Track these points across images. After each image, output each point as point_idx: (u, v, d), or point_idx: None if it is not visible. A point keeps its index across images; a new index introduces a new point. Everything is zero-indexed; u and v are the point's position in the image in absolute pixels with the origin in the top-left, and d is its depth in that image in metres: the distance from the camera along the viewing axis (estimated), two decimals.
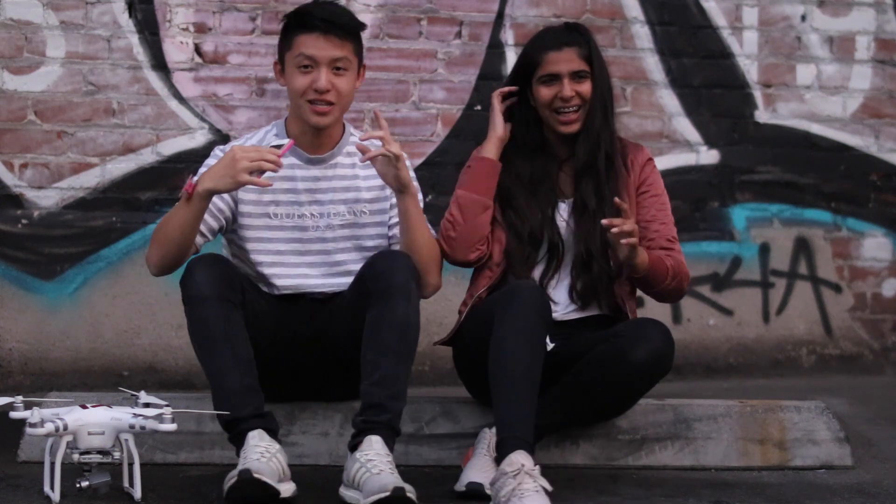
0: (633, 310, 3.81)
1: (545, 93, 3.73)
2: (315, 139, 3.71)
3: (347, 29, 3.66)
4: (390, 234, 3.76)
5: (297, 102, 3.65)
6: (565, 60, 3.73)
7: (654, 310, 5.39)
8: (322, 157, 3.73)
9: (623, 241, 3.46)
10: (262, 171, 3.42)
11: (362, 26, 3.73)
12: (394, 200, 3.70)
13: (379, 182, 3.73)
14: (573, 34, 3.79)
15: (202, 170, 3.66)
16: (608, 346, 3.57)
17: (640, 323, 3.67)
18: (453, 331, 3.81)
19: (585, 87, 3.73)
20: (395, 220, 3.73)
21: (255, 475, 3.22)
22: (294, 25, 3.65)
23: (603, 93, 3.75)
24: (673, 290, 3.77)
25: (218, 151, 3.71)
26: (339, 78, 3.63)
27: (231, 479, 3.25)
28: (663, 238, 3.76)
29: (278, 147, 3.48)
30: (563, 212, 3.78)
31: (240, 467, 3.28)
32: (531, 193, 3.76)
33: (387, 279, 3.47)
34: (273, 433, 3.43)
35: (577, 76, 3.73)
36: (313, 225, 3.72)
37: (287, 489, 3.38)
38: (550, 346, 3.70)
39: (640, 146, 3.89)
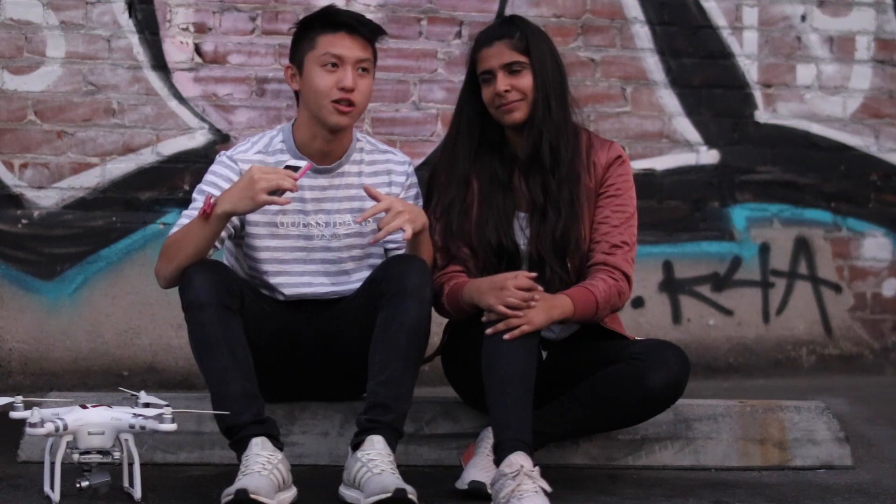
0: (616, 321, 3.77)
1: (485, 92, 3.66)
2: (325, 146, 3.69)
3: (372, 30, 3.68)
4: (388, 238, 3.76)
5: (318, 103, 3.62)
6: (496, 55, 3.64)
7: (655, 309, 5.40)
8: (330, 166, 3.72)
9: (507, 336, 3.39)
10: (281, 191, 3.41)
11: (383, 32, 3.73)
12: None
13: (384, 192, 3.72)
14: (505, 27, 3.70)
15: (208, 176, 3.67)
16: (625, 368, 3.52)
17: (658, 347, 3.58)
18: (439, 348, 3.80)
19: (523, 80, 3.63)
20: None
21: (252, 495, 3.21)
22: (318, 25, 3.64)
23: (545, 83, 3.64)
24: (607, 315, 3.66)
25: (224, 158, 3.69)
26: (361, 79, 3.63)
27: (228, 495, 3.25)
28: (608, 243, 3.64)
29: (295, 169, 3.46)
30: (521, 220, 3.70)
31: (237, 483, 3.27)
32: (489, 205, 3.67)
33: (400, 281, 3.47)
34: (274, 438, 3.43)
35: (510, 69, 3.63)
36: (319, 234, 3.71)
37: (286, 497, 3.38)
38: (543, 354, 3.69)
39: (611, 143, 3.74)
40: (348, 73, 3.60)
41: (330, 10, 3.70)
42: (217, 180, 3.64)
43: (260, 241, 3.68)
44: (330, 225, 3.72)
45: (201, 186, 3.66)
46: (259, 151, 3.70)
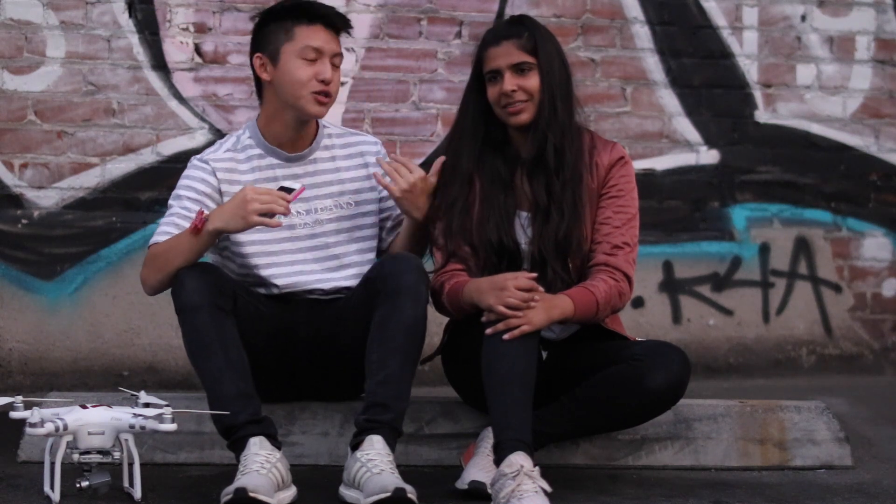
0: (617, 322, 3.77)
1: (491, 91, 3.65)
2: (295, 135, 3.72)
3: (345, 25, 3.72)
4: (389, 224, 3.79)
5: (296, 93, 3.64)
6: (504, 55, 3.63)
7: (655, 309, 5.40)
8: (301, 154, 3.74)
9: (507, 336, 3.38)
10: (272, 213, 3.42)
11: (350, 26, 3.77)
12: (385, 193, 3.74)
13: (362, 173, 3.77)
14: (513, 27, 3.69)
15: (182, 181, 3.67)
16: (626, 368, 3.51)
17: (659, 348, 3.58)
18: (439, 348, 3.80)
19: (530, 81, 3.61)
20: (395, 212, 3.78)
21: (251, 494, 3.21)
22: (293, 17, 3.66)
23: (551, 84, 3.62)
24: (607, 316, 3.66)
25: (196, 161, 3.70)
26: (335, 72, 3.67)
27: (227, 494, 3.25)
28: (609, 244, 3.62)
29: (288, 191, 3.47)
30: (522, 219, 3.69)
31: (237, 483, 3.27)
32: (490, 203, 3.66)
33: (396, 280, 3.47)
34: (272, 437, 3.43)
35: (518, 69, 3.62)
36: (301, 222, 3.72)
37: (286, 496, 3.38)
38: (543, 354, 3.69)
39: (614, 144, 3.73)
40: (327, 65, 3.64)
41: (301, 4, 3.71)
42: (192, 183, 3.66)
43: (244, 235, 3.67)
44: (311, 212, 3.73)
45: (177, 192, 3.67)
46: (228, 150, 3.72)
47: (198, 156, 3.74)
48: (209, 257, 3.75)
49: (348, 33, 3.74)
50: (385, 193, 3.74)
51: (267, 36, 3.70)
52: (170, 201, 3.67)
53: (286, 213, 3.45)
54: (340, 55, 3.69)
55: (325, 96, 3.64)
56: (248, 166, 3.70)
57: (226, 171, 3.68)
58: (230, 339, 3.46)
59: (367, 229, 3.76)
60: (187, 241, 3.50)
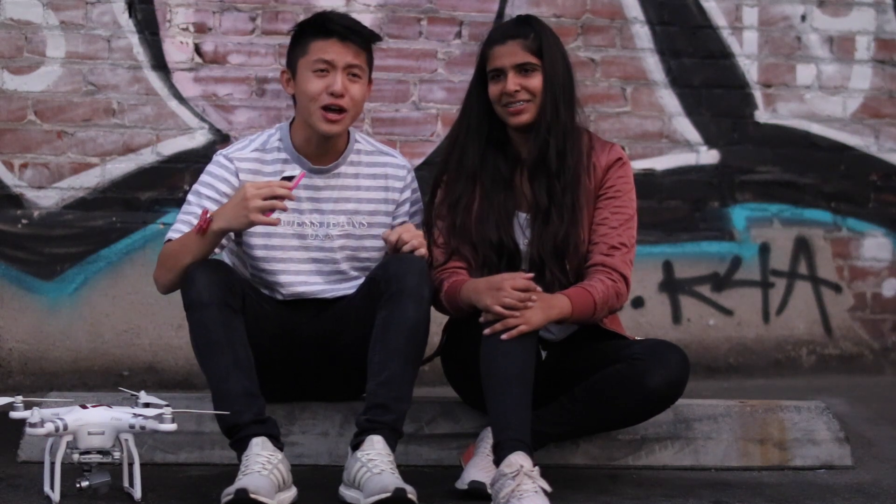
0: (616, 322, 3.77)
1: (493, 89, 3.65)
2: (320, 148, 3.70)
3: (364, 37, 3.67)
4: None
5: (308, 108, 3.64)
6: (508, 54, 3.63)
7: (655, 309, 5.40)
8: (326, 167, 3.72)
9: (505, 335, 3.38)
10: (274, 208, 3.41)
11: (378, 38, 3.73)
12: (400, 219, 3.75)
13: (380, 196, 3.75)
14: (520, 27, 3.69)
15: (204, 177, 3.68)
16: (625, 368, 3.51)
17: (658, 347, 3.58)
18: (438, 348, 3.80)
19: (533, 81, 3.62)
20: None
21: (252, 495, 3.21)
22: (311, 31, 3.65)
23: (554, 86, 3.62)
24: (605, 316, 3.66)
25: (221, 158, 3.70)
26: (353, 84, 3.63)
27: (228, 495, 3.25)
28: (606, 244, 3.63)
29: (289, 178, 3.46)
30: (521, 220, 3.69)
31: (237, 483, 3.27)
32: (490, 202, 3.66)
33: (399, 282, 3.47)
34: (275, 438, 3.43)
35: (522, 69, 3.62)
36: (313, 233, 3.72)
37: (286, 497, 3.38)
38: (543, 353, 3.69)
39: (612, 145, 3.74)
40: (338, 77, 3.60)
41: (322, 17, 3.70)
42: (213, 181, 3.66)
43: (256, 238, 3.68)
44: (324, 225, 3.72)
45: (197, 187, 3.67)
46: (256, 149, 3.71)
47: (224, 151, 3.73)
48: (225, 252, 3.75)
49: (362, 47, 3.65)
50: (399, 221, 3.75)
51: (291, 51, 3.70)
52: (189, 196, 3.67)
53: (291, 198, 3.41)
54: (359, 66, 3.64)
55: (337, 111, 3.61)
56: (272, 169, 3.69)
57: (249, 171, 3.68)
58: (238, 337, 3.47)
59: (372, 251, 3.75)
60: (194, 241, 3.50)
